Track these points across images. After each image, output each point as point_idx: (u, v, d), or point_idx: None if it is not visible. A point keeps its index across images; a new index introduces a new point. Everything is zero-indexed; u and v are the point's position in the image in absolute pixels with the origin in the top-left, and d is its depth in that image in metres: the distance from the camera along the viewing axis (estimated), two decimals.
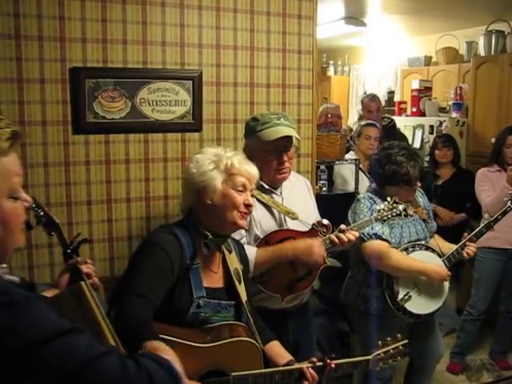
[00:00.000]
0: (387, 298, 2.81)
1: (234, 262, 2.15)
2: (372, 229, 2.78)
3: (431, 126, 6.02)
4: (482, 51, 6.02)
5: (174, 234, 1.99)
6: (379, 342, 2.36)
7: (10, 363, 0.93)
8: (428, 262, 2.84)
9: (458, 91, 6.05)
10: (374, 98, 5.55)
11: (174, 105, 3.15)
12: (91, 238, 3.06)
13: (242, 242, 2.42)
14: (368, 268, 2.86)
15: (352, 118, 8.53)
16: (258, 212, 2.47)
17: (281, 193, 2.57)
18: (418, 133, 6.13)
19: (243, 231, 2.44)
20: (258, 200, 2.48)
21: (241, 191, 2.02)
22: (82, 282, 1.48)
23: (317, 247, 2.35)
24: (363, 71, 8.72)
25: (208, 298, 1.98)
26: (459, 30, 6.56)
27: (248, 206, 2.04)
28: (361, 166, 4.36)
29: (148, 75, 3.10)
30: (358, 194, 4.10)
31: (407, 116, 6.58)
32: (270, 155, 2.46)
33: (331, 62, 8.89)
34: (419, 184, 2.96)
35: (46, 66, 2.90)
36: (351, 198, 4.02)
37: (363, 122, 4.96)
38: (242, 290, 2.11)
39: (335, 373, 2.13)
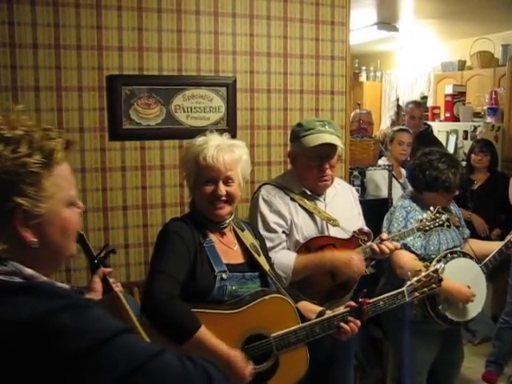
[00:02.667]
0: (427, 306, 2.78)
1: (248, 238, 2.20)
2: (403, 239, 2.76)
3: (465, 132, 5.95)
4: None
5: (182, 220, 2.11)
6: (409, 273, 2.34)
7: (78, 364, 0.96)
8: (461, 274, 2.79)
9: (493, 96, 5.96)
10: (419, 104, 5.57)
11: (209, 111, 3.20)
12: (127, 242, 3.11)
13: (282, 246, 2.44)
14: None
15: (384, 124, 8.48)
16: (300, 218, 2.48)
17: (324, 199, 2.57)
18: (452, 138, 6.07)
19: (283, 236, 2.46)
20: (301, 206, 2.49)
21: (209, 182, 2.07)
22: (117, 293, 1.52)
23: (356, 261, 2.34)
24: (396, 76, 8.67)
25: (231, 272, 2.03)
26: (494, 33, 6.47)
27: (218, 196, 2.06)
28: (393, 172, 4.34)
29: (183, 82, 3.15)
30: (391, 200, 4.09)
31: (441, 121, 6.52)
32: (311, 162, 2.46)
33: (363, 68, 8.87)
34: (457, 192, 2.92)
35: (84, 74, 2.98)
36: (384, 204, 4.01)
37: (396, 128, 4.94)
38: (262, 261, 2.16)
39: (373, 313, 2.13)
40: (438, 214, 2.63)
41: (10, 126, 1.05)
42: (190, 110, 3.16)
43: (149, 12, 3.06)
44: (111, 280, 1.79)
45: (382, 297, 2.18)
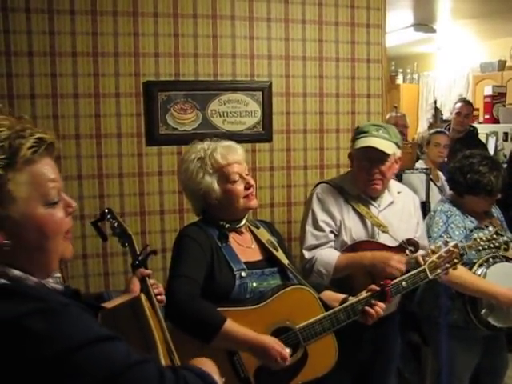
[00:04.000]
0: (469, 311, 2.73)
1: (264, 235, 2.21)
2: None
3: (505, 133, 5.84)
4: None
5: (197, 225, 2.13)
6: (428, 250, 2.32)
7: (45, 370, 0.94)
8: (504, 279, 2.72)
9: None
10: (467, 102, 5.46)
11: (245, 116, 3.21)
12: (164, 247, 3.14)
13: (328, 246, 2.46)
14: None
15: (422, 127, 8.37)
16: (350, 219, 2.48)
17: (379, 205, 2.56)
18: (492, 140, 5.96)
19: (331, 235, 2.46)
20: (353, 208, 2.50)
21: (237, 180, 2.08)
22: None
23: (396, 261, 2.31)
24: (433, 78, 8.55)
25: (250, 270, 2.05)
26: None
27: (249, 187, 2.11)
28: (430, 175, 4.28)
29: (219, 87, 3.17)
30: (429, 203, 4.02)
31: (480, 123, 6.41)
32: (361, 164, 2.48)
33: (400, 70, 8.77)
34: (499, 195, 2.86)
35: (121, 80, 3.02)
36: (422, 208, 3.94)
37: (432, 130, 4.87)
38: (280, 256, 2.16)
39: (397, 293, 2.13)
40: (495, 235, 2.57)
41: None
42: (226, 114, 3.17)
43: (184, 18, 3.09)
44: (151, 281, 1.80)
45: (403, 277, 2.17)
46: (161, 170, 3.12)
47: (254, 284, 2.03)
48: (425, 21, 6.10)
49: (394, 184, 2.64)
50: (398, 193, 2.63)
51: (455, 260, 2.29)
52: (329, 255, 2.40)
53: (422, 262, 2.34)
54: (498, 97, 6.28)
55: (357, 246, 2.44)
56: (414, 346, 3.71)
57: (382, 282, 2.11)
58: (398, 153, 2.51)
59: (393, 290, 2.12)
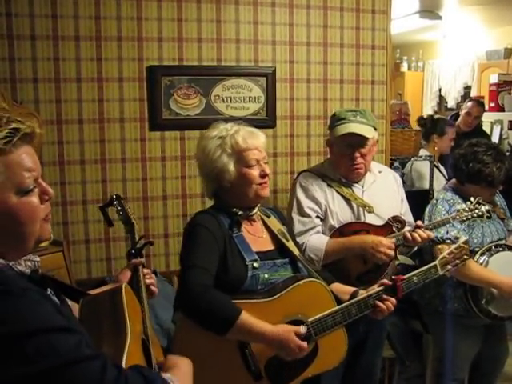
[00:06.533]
0: (469, 300, 2.72)
1: (275, 225, 2.21)
2: (447, 233, 2.70)
3: (510, 122, 5.80)
4: None
5: (208, 213, 2.10)
6: (439, 247, 2.41)
7: None
8: (506, 268, 2.71)
9: None
10: (480, 104, 5.36)
11: (248, 101, 3.19)
12: (166, 232, 3.14)
13: (315, 231, 2.48)
14: None
15: (426, 115, 8.33)
16: (336, 204, 2.53)
17: (362, 186, 2.61)
18: (497, 129, 5.92)
19: (317, 220, 2.49)
20: (338, 192, 2.54)
21: (253, 165, 2.06)
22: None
23: (385, 247, 2.37)
24: (438, 66, 8.48)
25: (262, 260, 2.03)
26: None
27: (264, 176, 2.08)
28: (436, 163, 4.29)
29: (222, 72, 3.15)
30: (433, 191, 4.02)
31: (485, 111, 6.35)
32: (342, 150, 2.52)
33: (405, 58, 8.71)
34: (501, 187, 2.84)
35: (124, 64, 3.01)
36: (426, 195, 3.94)
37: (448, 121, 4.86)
38: (291, 246, 2.17)
39: (408, 289, 2.13)
40: (477, 205, 2.59)
41: None
42: (229, 99, 3.16)
43: (188, 2, 3.06)
44: (145, 271, 1.79)
45: (415, 272, 2.17)
46: (164, 155, 3.11)
47: (266, 275, 2.01)
48: (430, 7, 6.05)
49: (374, 164, 2.70)
50: (380, 172, 2.69)
51: (465, 256, 2.31)
52: (318, 241, 2.43)
53: (410, 237, 2.40)
54: (504, 85, 6.22)
55: (344, 229, 2.49)
56: (416, 334, 3.71)
57: (393, 277, 2.11)
58: (376, 135, 2.57)
59: (404, 286, 2.11)
